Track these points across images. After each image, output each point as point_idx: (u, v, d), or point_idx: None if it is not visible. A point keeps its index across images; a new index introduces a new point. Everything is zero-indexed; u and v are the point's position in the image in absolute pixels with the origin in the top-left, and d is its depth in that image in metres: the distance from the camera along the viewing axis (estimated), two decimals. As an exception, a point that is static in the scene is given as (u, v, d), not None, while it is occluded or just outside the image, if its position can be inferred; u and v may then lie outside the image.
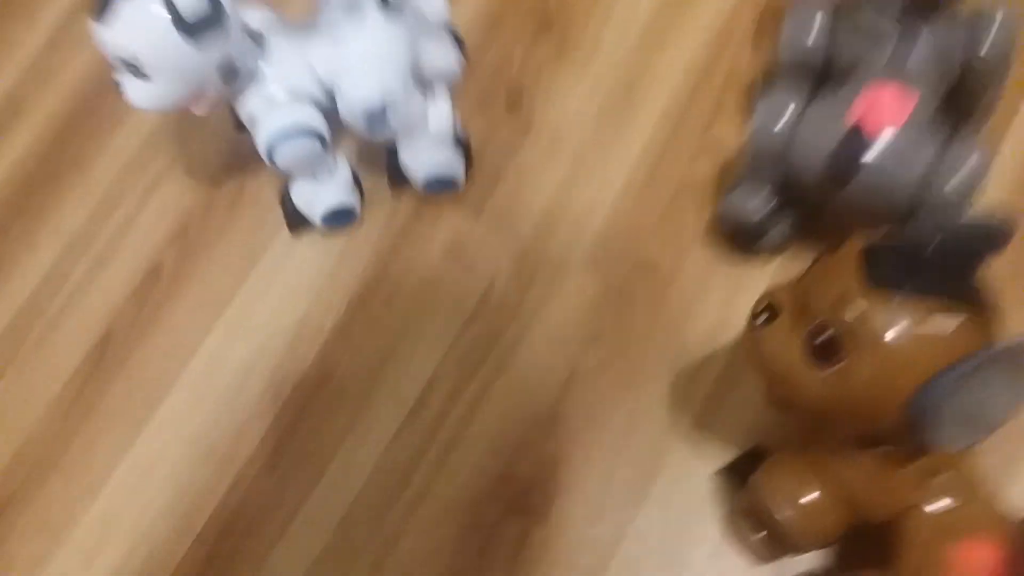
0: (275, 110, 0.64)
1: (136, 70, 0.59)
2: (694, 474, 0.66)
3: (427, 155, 0.71)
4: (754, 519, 0.60)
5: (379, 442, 0.70)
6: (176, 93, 0.62)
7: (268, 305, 0.76)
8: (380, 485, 0.69)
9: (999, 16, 0.61)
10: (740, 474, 0.61)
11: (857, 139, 0.58)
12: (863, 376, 0.47)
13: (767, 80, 0.73)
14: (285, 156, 0.65)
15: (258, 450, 0.72)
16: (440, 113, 0.69)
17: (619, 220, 0.74)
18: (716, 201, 0.71)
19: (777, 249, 0.69)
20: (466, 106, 0.75)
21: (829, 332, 0.48)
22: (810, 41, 0.65)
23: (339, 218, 0.74)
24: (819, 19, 0.65)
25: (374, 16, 0.63)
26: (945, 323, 0.47)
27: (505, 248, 0.74)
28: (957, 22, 0.62)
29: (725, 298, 0.70)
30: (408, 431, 0.71)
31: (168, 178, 0.82)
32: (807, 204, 0.64)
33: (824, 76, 0.65)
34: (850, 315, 0.47)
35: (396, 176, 0.74)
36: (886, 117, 0.59)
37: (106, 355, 0.77)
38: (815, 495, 0.55)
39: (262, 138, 0.65)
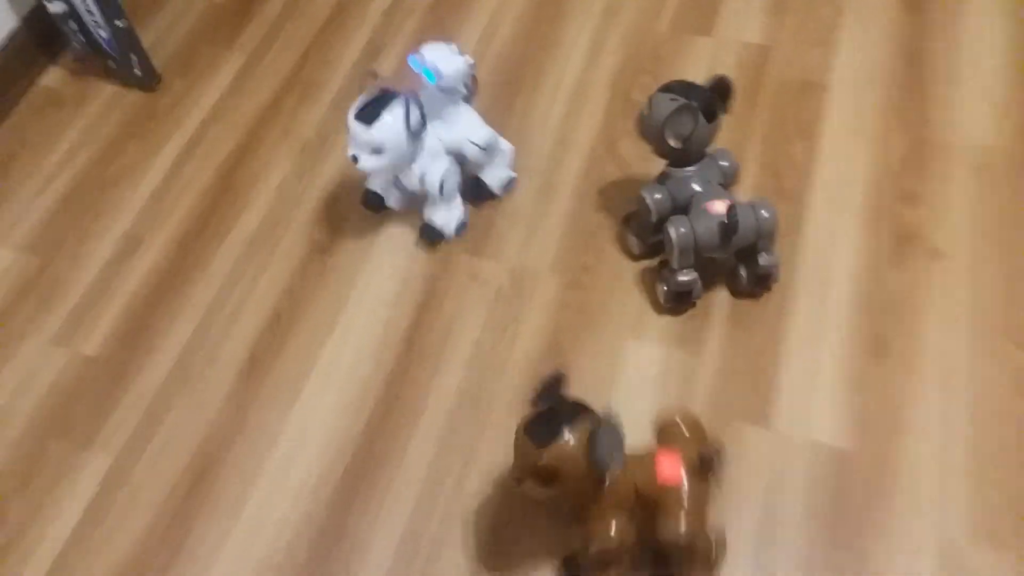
0: (437, 161, 1.17)
1: (377, 151, 1.10)
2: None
3: (497, 174, 1.27)
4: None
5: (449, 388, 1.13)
6: (392, 163, 1.13)
7: (361, 324, 1.19)
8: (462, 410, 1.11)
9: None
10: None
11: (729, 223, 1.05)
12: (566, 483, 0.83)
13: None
14: (450, 183, 1.19)
15: (378, 403, 1.12)
16: (506, 150, 1.26)
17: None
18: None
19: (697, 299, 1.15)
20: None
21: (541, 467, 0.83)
22: (653, 216, 1.12)
23: (462, 228, 1.26)
24: (656, 196, 1.11)
25: (466, 108, 1.20)
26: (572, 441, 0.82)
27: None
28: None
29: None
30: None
31: (267, 266, 1.25)
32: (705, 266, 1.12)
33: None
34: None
35: (476, 194, 1.28)
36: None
37: (254, 369, 1.15)
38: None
39: (436, 175, 1.18)
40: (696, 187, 1.12)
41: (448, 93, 1.18)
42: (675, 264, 1.11)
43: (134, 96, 1.53)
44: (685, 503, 0.86)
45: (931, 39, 1.41)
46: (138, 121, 1.48)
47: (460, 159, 1.22)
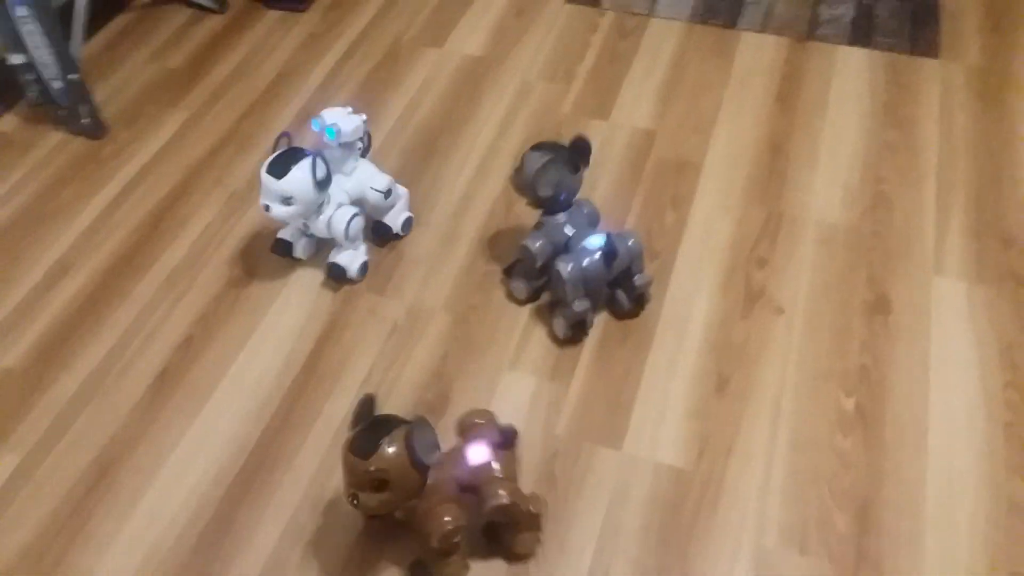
0: (342, 209, 1.32)
1: (287, 201, 1.26)
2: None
3: (397, 216, 1.44)
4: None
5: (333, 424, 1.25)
6: (301, 212, 1.29)
7: (266, 349, 1.31)
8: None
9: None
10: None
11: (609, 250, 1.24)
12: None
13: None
14: (355, 227, 1.33)
15: (275, 416, 1.23)
16: (403, 194, 1.43)
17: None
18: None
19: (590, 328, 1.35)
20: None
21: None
22: (538, 261, 1.30)
23: (364, 269, 1.40)
24: (537, 243, 1.30)
25: (364, 161, 1.36)
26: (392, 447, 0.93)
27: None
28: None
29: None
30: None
31: (185, 296, 1.37)
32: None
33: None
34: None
35: (380, 236, 1.44)
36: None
37: (164, 384, 1.27)
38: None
39: (342, 220, 1.32)
40: (569, 230, 1.29)
41: (347, 149, 1.35)
42: (568, 297, 1.25)
43: (80, 143, 1.67)
44: (499, 475, 1.01)
45: (796, 130, 1.61)
46: (81, 165, 1.62)
47: (364, 206, 1.38)
